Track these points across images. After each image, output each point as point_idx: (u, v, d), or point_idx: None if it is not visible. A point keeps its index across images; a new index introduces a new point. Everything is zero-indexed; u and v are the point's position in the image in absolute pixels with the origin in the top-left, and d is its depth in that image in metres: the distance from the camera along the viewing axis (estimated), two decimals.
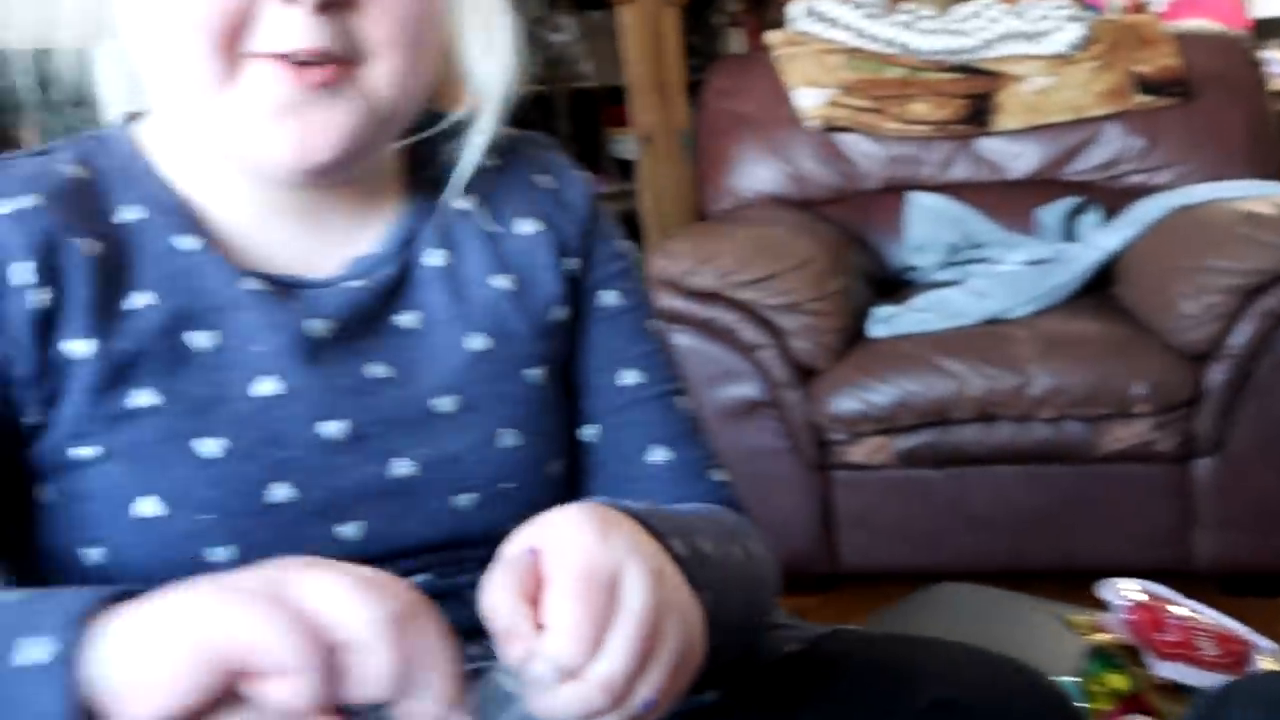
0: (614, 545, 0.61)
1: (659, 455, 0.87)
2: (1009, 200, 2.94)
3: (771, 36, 3.18)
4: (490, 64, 0.82)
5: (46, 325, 0.72)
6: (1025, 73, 3.00)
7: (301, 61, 0.71)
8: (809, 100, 3.04)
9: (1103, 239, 2.67)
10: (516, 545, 0.63)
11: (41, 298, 0.72)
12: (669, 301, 2.43)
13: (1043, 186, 2.96)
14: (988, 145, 3.03)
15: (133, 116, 0.83)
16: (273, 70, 0.71)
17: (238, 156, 0.75)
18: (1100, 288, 2.62)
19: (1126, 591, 1.55)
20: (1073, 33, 3.00)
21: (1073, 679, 1.35)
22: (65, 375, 0.73)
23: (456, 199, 0.85)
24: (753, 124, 3.07)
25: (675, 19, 3.31)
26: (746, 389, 2.45)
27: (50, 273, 0.73)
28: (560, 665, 0.58)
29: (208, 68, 0.71)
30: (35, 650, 0.53)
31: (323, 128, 0.73)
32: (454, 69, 0.82)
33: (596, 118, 3.52)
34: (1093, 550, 2.38)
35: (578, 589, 0.59)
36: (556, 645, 0.58)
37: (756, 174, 3.05)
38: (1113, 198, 2.86)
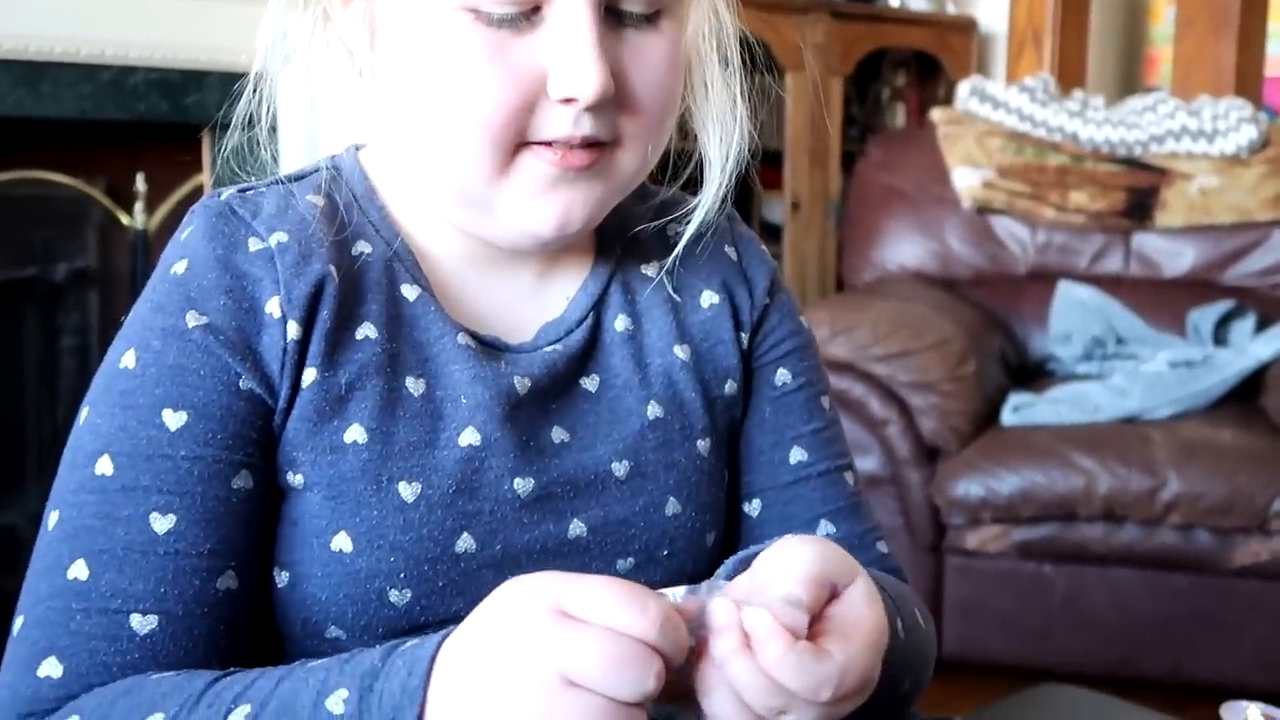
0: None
1: (824, 530, 0.88)
2: (1161, 298, 2.87)
3: (935, 114, 3.17)
4: (721, 148, 0.85)
5: (300, 354, 0.75)
6: (1193, 171, 2.93)
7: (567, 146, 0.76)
8: (965, 180, 3.01)
9: (1256, 347, 2.59)
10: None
11: (296, 328, 0.75)
12: None
13: (1198, 288, 2.88)
14: (1146, 241, 2.96)
15: (359, 146, 0.86)
16: (541, 156, 0.75)
17: (489, 226, 0.79)
18: (1247, 397, 2.54)
19: (1255, 715, 1.48)
20: (1247, 135, 2.93)
21: None
22: (295, 401, 0.76)
23: (643, 265, 0.88)
24: (905, 198, 3.05)
25: (839, 89, 3.32)
26: (869, 463, 2.42)
27: (303, 303, 0.75)
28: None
29: (487, 161, 0.75)
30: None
31: (581, 204, 0.77)
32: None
33: (750, 178, 3.54)
34: (1208, 666, 2.29)
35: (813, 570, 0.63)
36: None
37: (902, 248, 3.03)
38: (1270, 306, 2.78)
